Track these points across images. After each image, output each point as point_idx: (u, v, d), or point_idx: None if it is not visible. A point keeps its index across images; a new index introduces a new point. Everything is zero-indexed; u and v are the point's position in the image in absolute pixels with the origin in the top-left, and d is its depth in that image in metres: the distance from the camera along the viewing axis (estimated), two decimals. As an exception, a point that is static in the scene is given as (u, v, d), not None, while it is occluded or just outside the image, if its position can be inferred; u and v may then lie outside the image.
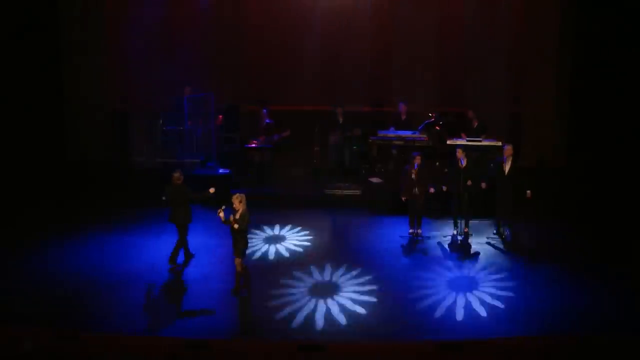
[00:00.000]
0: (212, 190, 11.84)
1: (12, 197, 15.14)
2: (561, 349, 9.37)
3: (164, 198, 11.98)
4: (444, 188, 13.36)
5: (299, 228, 13.92)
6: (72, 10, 16.84)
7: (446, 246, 13.09)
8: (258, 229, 13.78)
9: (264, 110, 16.20)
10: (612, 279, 11.64)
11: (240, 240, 10.93)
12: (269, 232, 13.81)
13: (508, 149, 13.14)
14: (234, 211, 10.84)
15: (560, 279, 11.69)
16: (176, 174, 12.03)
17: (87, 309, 10.77)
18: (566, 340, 9.58)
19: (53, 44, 16.83)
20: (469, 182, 13.02)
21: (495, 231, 13.41)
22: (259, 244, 13.23)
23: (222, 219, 10.86)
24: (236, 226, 10.77)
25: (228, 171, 15.92)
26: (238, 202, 10.82)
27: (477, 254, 12.71)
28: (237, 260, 11.01)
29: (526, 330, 10.05)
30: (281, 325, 10.33)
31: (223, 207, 10.89)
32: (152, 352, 9.40)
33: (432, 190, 13.26)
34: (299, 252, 12.90)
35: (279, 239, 13.52)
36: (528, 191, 12.97)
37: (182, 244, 12.20)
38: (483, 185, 13.20)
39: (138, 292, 11.27)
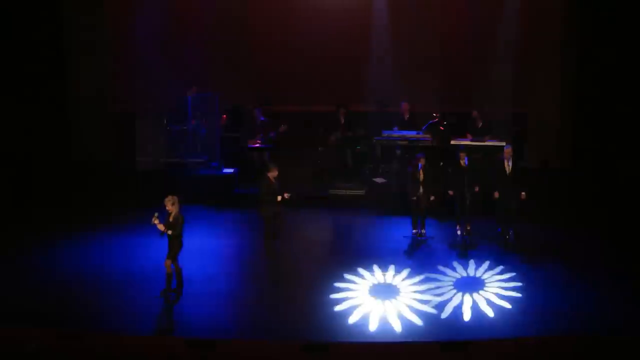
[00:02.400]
0: (287, 195, 12.17)
1: (17, 197, 15.17)
2: (562, 349, 9.37)
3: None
4: (450, 192, 13.31)
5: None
6: (76, 10, 16.86)
7: (449, 246, 13.08)
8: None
9: (257, 110, 16.22)
10: (615, 280, 11.60)
11: (175, 244, 10.82)
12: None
13: (507, 150, 13.13)
14: (167, 214, 10.72)
15: (564, 279, 11.66)
16: (271, 165, 12.27)
17: (90, 308, 10.78)
18: (567, 341, 9.56)
19: (57, 44, 16.85)
20: (477, 189, 13.04)
21: (498, 231, 13.37)
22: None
23: (159, 227, 10.68)
24: (170, 232, 10.68)
25: (232, 171, 15.93)
26: (171, 205, 10.67)
27: (480, 254, 12.69)
28: (167, 262, 10.87)
29: (529, 330, 10.02)
30: (281, 325, 10.36)
31: (156, 215, 10.69)
32: (155, 352, 9.43)
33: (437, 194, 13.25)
34: (300, 252, 12.92)
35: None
36: (522, 193, 12.94)
37: (268, 236, 12.33)
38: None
39: (141, 292, 11.26)
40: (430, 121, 15.86)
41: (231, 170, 15.97)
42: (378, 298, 11.04)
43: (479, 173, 13.37)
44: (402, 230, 13.57)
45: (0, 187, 15.13)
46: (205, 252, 12.85)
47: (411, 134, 15.64)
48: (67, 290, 11.31)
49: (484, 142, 15.12)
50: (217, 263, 12.48)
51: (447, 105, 16.64)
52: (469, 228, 13.22)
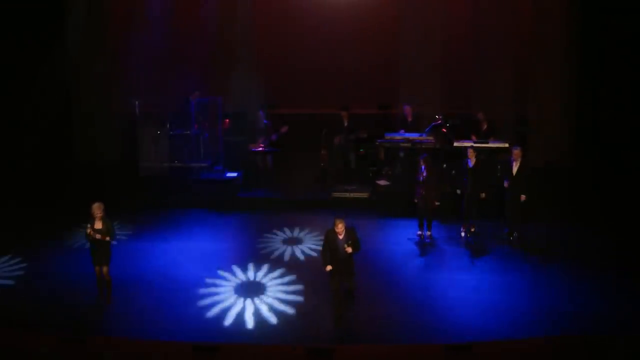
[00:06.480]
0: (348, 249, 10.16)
1: (20, 200, 15.17)
2: (565, 349, 9.36)
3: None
4: (458, 192, 13.32)
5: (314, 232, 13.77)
6: (80, 15, 16.89)
7: (455, 247, 13.07)
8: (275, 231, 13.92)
9: (261, 112, 16.24)
10: (618, 279, 11.60)
11: (107, 249, 10.89)
12: (287, 234, 13.88)
13: (517, 152, 13.12)
14: (93, 220, 10.73)
15: (568, 279, 11.65)
16: (337, 220, 10.26)
17: (94, 312, 10.82)
18: (571, 340, 9.56)
19: (62, 48, 16.88)
20: (483, 195, 13.03)
21: (504, 232, 13.36)
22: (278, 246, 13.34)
23: (98, 237, 10.69)
24: (108, 239, 10.74)
25: (235, 175, 15.92)
26: (100, 211, 10.73)
27: (485, 255, 12.68)
28: (105, 270, 10.94)
29: (534, 331, 10.02)
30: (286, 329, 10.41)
31: (89, 225, 10.75)
32: (159, 356, 9.42)
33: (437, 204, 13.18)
34: (312, 255, 12.92)
35: (296, 241, 13.58)
36: (522, 196, 12.95)
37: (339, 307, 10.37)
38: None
39: (146, 296, 11.29)
40: (433, 123, 15.83)
41: (234, 174, 15.97)
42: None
43: (484, 174, 13.35)
44: (406, 232, 13.57)
45: (4, 190, 15.15)
46: (209, 256, 12.85)
47: (414, 136, 15.63)
48: (69, 294, 11.33)
49: (487, 143, 15.09)
50: (221, 266, 12.46)
51: (450, 107, 16.61)
52: (473, 230, 13.22)
